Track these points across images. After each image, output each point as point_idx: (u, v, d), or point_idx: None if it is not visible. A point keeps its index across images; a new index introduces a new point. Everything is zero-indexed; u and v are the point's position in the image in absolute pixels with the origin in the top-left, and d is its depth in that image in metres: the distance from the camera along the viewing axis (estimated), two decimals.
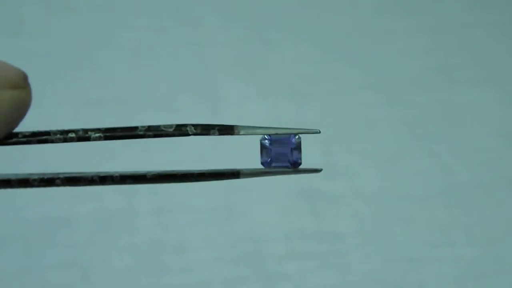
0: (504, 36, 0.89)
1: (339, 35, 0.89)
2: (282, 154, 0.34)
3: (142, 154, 0.76)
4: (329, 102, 0.83)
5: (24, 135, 0.35)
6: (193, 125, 0.35)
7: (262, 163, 0.35)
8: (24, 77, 0.34)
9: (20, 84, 0.33)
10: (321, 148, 0.78)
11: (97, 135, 0.34)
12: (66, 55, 0.85)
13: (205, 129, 0.35)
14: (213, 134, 0.35)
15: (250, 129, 0.35)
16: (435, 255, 0.72)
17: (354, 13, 0.91)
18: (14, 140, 0.34)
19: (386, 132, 0.81)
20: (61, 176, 0.34)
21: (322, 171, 0.35)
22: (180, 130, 0.35)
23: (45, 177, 0.34)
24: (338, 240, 0.73)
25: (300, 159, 0.34)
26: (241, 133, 0.35)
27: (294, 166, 0.34)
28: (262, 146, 0.35)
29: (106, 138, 0.35)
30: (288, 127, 0.35)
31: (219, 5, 0.91)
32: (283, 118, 0.81)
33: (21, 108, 0.33)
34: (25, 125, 0.35)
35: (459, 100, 0.84)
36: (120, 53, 0.86)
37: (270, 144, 0.34)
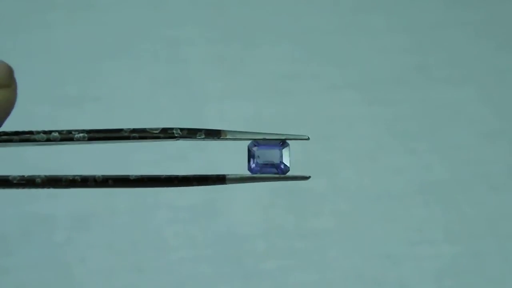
0: (481, 35, 0.89)
1: (318, 34, 0.89)
2: (269, 161, 0.34)
3: (126, 155, 0.75)
4: (308, 100, 0.83)
5: (6, 133, 0.34)
6: (180, 128, 0.34)
7: (249, 169, 0.34)
8: (10, 73, 0.32)
9: (5, 83, 0.32)
10: (300, 145, 0.78)
11: (80, 135, 0.34)
12: (45, 53, 0.84)
13: (191, 133, 0.34)
14: (200, 137, 0.34)
15: (237, 134, 0.34)
16: (414, 252, 0.73)
17: (333, 12, 0.91)
18: None
19: (365, 130, 0.81)
20: (42, 176, 0.34)
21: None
22: (166, 133, 0.34)
23: (26, 177, 0.34)
24: (317, 237, 0.73)
25: (288, 165, 0.34)
26: (228, 137, 0.34)
27: (281, 173, 0.34)
28: (250, 152, 0.34)
29: (90, 139, 0.34)
30: (276, 132, 0.34)
31: (200, 3, 0.91)
32: (263, 117, 0.81)
33: (6, 108, 0.32)
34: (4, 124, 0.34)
35: (437, 98, 0.84)
36: (99, 52, 0.85)
37: (258, 150, 0.34)
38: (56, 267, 0.70)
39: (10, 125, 0.34)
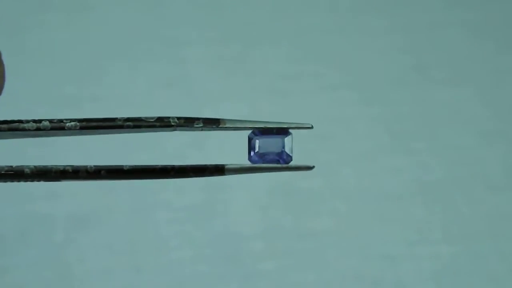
0: (479, 34, 0.89)
1: (317, 34, 0.89)
2: (271, 150, 0.33)
3: (121, 149, 0.75)
4: (307, 100, 0.83)
5: None
6: (177, 117, 0.33)
7: (249, 159, 0.33)
8: None
9: None
10: (298, 145, 0.78)
11: (72, 124, 0.33)
12: (43, 53, 0.84)
13: (188, 122, 0.33)
14: (197, 126, 0.33)
15: (237, 123, 0.33)
16: (412, 252, 0.73)
17: (332, 13, 0.91)
18: None
19: (363, 130, 0.81)
20: (31, 166, 0.33)
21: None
22: (162, 122, 0.33)
23: (14, 167, 0.33)
24: (316, 238, 0.73)
25: (291, 155, 0.33)
26: (227, 126, 0.33)
27: (284, 163, 0.33)
28: (250, 142, 0.33)
29: (82, 128, 0.33)
30: (279, 121, 0.33)
31: (197, 4, 0.91)
32: (262, 117, 0.80)
33: None
34: None
35: (435, 99, 0.84)
36: (98, 52, 0.85)
37: (259, 139, 0.33)
38: (54, 267, 0.70)
39: None
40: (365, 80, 0.85)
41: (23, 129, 0.33)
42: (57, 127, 0.33)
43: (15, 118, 0.32)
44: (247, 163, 0.33)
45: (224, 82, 0.84)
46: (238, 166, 0.33)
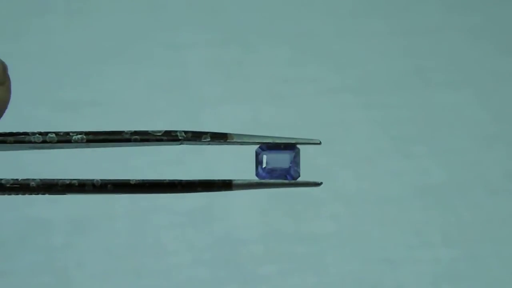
0: (479, 38, 0.89)
1: (316, 38, 0.89)
2: (279, 166, 0.32)
3: (125, 158, 0.75)
4: (307, 104, 0.83)
5: (0, 134, 0.33)
6: (184, 131, 0.33)
7: (257, 175, 0.32)
8: (3, 70, 0.31)
9: None
10: None
11: (78, 137, 0.33)
12: (42, 56, 0.84)
13: (196, 136, 0.32)
14: (205, 141, 0.32)
15: (244, 138, 0.32)
16: (412, 256, 0.73)
17: (332, 16, 0.91)
18: None
19: (363, 134, 0.81)
20: (37, 180, 0.32)
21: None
22: (169, 136, 0.32)
23: (19, 180, 0.32)
24: (315, 241, 0.73)
25: (299, 171, 0.32)
26: (235, 141, 0.32)
27: (291, 179, 0.32)
28: (258, 157, 0.32)
29: (89, 141, 0.33)
30: (287, 136, 0.33)
31: (197, 7, 0.91)
32: (261, 120, 0.80)
33: None
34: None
35: (435, 102, 0.84)
36: (97, 55, 0.85)
37: (267, 154, 0.32)
38: (53, 271, 0.69)
39: (6, 128, 0.34)
40: (365, 83, 0.85)
41: (29, 142, 0.33)
42: (64, 140, 0.33)
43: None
44: (252, 176, 0.33)
45: (224, 85, 0.84)
46: (246, 182, 0.32)
